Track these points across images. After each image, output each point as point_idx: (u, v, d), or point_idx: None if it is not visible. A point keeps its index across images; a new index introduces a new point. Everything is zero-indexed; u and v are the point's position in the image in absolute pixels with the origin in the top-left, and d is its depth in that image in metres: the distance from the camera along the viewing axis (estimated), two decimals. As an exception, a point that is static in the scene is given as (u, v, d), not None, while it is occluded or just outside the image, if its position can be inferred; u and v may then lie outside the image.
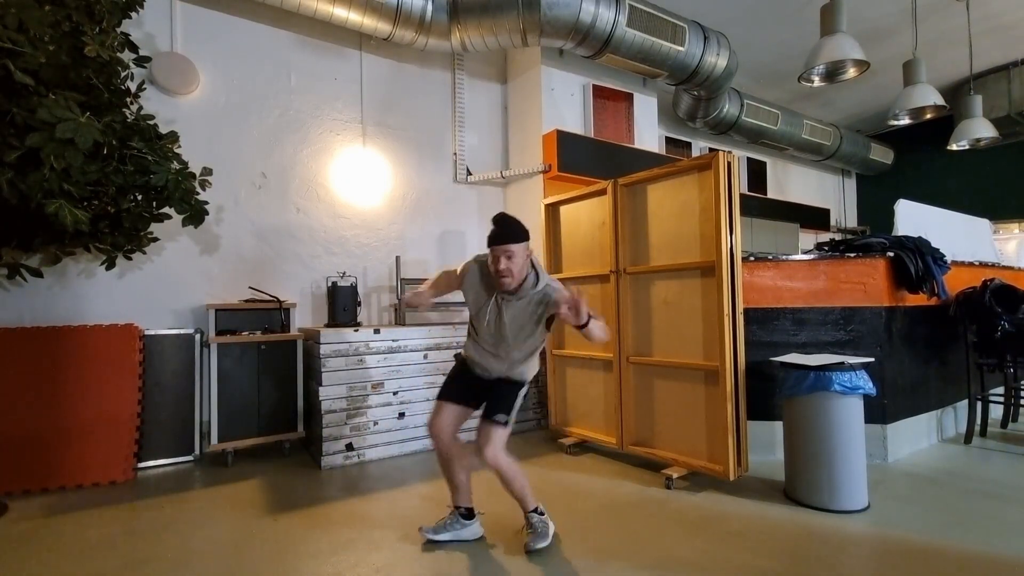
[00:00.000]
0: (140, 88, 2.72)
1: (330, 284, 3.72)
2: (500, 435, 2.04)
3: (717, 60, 4.75)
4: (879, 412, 3.08)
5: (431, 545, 2.15)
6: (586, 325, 1.90)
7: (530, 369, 2.19)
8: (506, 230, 1.97)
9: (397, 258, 4.14)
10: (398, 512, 2.53)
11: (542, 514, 2.16)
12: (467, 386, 2.19)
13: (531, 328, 2.07)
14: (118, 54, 2.52)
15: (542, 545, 2.06)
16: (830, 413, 2.45)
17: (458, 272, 2.16)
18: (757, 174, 7.34)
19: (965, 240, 4.36)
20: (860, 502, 2.46)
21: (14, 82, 2.09)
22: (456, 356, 2.27)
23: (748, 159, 7.22)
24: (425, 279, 4.38)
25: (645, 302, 3.12)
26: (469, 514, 2.20)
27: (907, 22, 5.07)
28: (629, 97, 5.17)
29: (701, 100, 5.46)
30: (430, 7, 3.86)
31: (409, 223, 4.54)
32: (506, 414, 2.07)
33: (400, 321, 3.92)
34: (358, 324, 3.66)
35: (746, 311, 2.82)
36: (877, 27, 5.33)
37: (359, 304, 3.77)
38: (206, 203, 2.80)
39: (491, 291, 2.07)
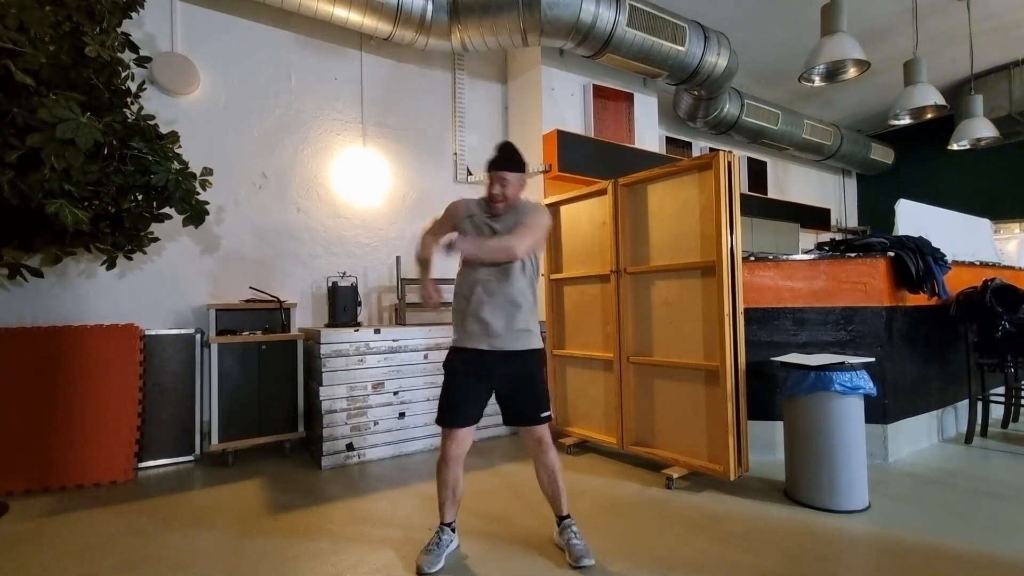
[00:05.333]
0: (140, 88, 2.72)
1: (330, 284, 3.72)
2: (549, 433, 2.06)
3: (717, 60, 4.74)
4: (880, 412, 3.08)
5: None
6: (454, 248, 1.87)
7: (535, 337, 2.07)
8: (505, 157, 2.01)
9: (397, 258, 4.15)
10: (398, 512, 2.53)
11: (572, 520, 2.09)
12: (472, 398, 2.02)
13: None
14: (118, 54, 2.52)
15: (591, 562, 1.95)
16: (830, 413, 2.45)
17: (445, 213, 2.14)
18: (757, 174, 7.33)
19: (965, 240, 4.35)
20: (861, 502, 2.46)
21: (15, 82, 2.09)
22: (447, 364, 2.08)
23: (748, 159, 7.21)
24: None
25: (645, 302, 3.12)
26: (452, 525, 2.11)
27: (908, 22, 5.06)
28: (629, 97, 5.17)
29: (701, 100, 5.46)
30: (430, 7, 3.86)
31: (409, 223, 4.54)
32: (547, 408, 2.06)
33: (400, 321, 3.92)
34: (358, 324, 3.66)
35: (746, 311, 2.81)
36: (878, 27, 5.32)
37: (359, 304, 3.77)
38: (206, 203, 2.80)
39: (479, 214, 2.08)
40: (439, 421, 2.04)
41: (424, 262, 2.21)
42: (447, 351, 2.11)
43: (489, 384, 2.04)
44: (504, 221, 2.04)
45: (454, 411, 2.02)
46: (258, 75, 3.92)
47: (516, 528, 2.31)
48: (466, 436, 2.04)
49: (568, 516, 2.09)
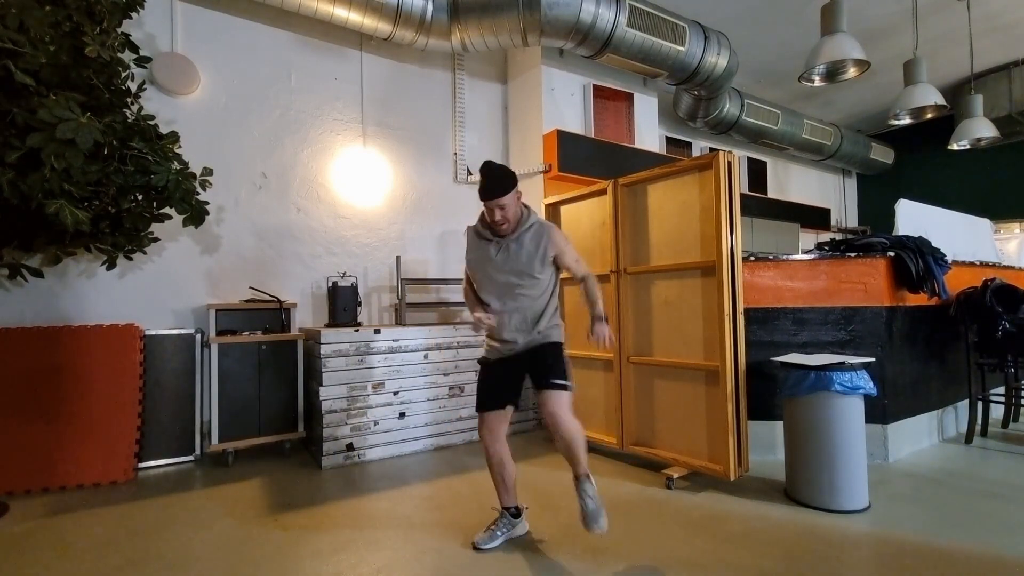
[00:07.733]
0: (140, 88, 2.72)
1: (330, 284, 3.72)
2: (563, 397, 2.02)
3: (717, 60, 4.74)
4: (880, 412, 3.08)
5: (432, 547, 2.15)
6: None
7: (556, 331, 2.17)
8: (495, 183, 2.01)
9: (398, 258, 4.15)
10: (399, 512, 2.53)
11: (592, 482, 2.05)
12: (501, 385, 2.15)
13: (539, 265, 2.09)
14: (119, 54, 2.52)
15: (600, 529, 1.96)
16: (831, 413, 2.45)
17: (468, 244, 2.22)
18: (757, 174, 7.33)
19: (966, 240, 4.35)
20: (861, 502, 2.46)
21: (15, 82, 2.09)
22: (480, 361, 2.25)
23: (748, 159, 7.21)
24: (424, 278, 4.43)
25: (645, 302, 3.12)
26: (517, 512, 2.21)
27: (908, 22, 5.06)
28: (629, 97, 5.16)
29: (701, 100, 5.45)
30: (430, 7, 3.86)
31: (409, 223, 4.54)
32: (561, 377, 2.04)
33: (400, 321, 3.92)
34: (358, 324, 3.66)
35: (746, 311, 2.81)
36: (878, 27, 5.32)
37: (359, 304, 3.78)
38: (206, 203, 2.80)
39: (491, 239, 2.12)
40: (476, 408, 2.17)
41: (473, 305, 2.25)
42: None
43: (520, 367, 2.14)
44: (520, 238, 2.09)
45: (482, 396, 2.16)
46: (258, 75, 3.92)
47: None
48: (494, 420, 2.12)
49: (584, 476, 2.04)
